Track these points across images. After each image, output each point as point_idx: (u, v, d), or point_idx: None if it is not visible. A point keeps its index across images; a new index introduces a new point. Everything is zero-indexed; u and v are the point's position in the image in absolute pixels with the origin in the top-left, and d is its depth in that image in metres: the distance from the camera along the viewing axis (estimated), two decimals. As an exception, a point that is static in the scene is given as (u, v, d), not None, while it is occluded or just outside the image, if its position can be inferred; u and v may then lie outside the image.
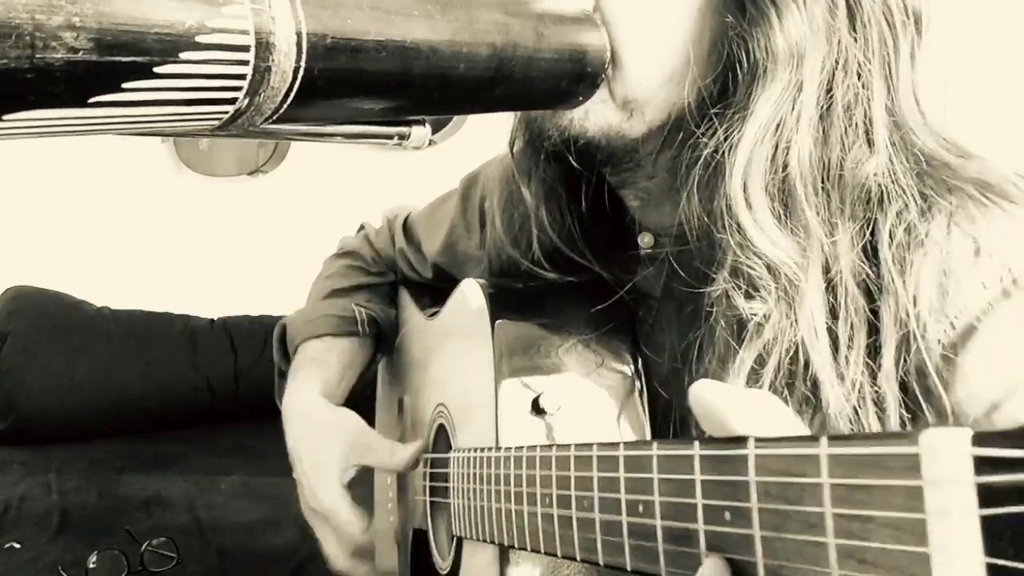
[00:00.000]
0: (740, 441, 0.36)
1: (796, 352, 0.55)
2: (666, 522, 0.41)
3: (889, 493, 0.29)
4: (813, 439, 0.32)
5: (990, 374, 0.53)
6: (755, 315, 0.56)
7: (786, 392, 0.56)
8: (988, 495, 0.25)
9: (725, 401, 0.39)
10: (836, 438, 0.32)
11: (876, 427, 0.55)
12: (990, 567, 0.25)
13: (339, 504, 0.87)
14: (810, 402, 0.55)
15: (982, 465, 0.26)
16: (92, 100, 0.34)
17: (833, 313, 0.56)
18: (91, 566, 1.54)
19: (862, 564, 0.30)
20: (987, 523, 0.25)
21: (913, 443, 0.28)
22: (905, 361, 0.55)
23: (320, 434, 0.91)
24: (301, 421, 0.93)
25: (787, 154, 0.56)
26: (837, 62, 0.57)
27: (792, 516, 0.33)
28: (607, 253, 0.74)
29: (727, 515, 0.37)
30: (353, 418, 0.91)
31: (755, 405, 0.39)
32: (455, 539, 0.78)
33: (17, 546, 1.65)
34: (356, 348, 1.01)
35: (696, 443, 0.39)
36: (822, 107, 0.57)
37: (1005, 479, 0.25)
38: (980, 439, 0.26)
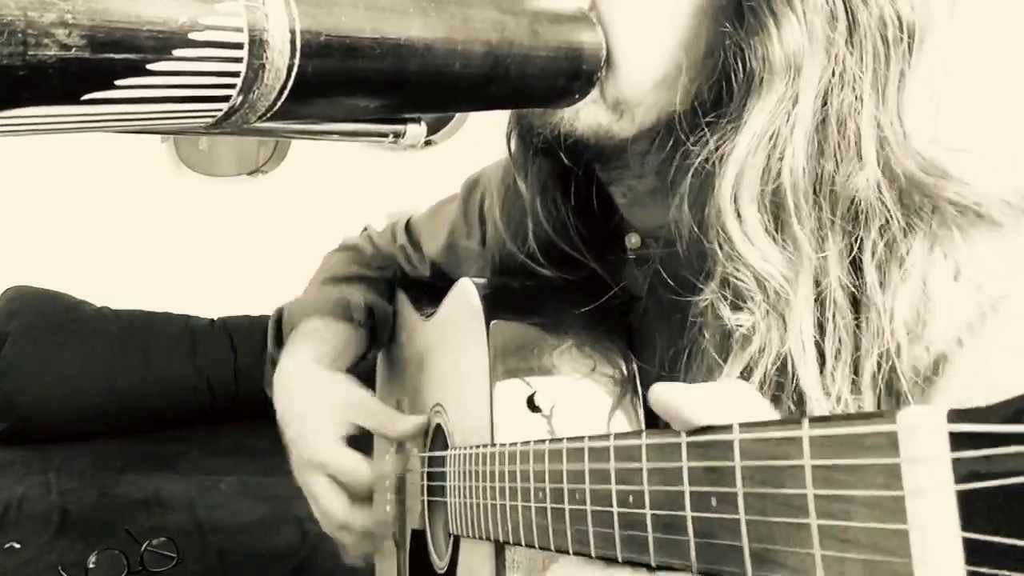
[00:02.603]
0: (725, 427, 0.36)
1: (783, 365, 0.55)
2: (655, 511, 0.41)
3: (868, 472, 0.29)
4: (795, 421, 0.33)
5: (957, 402, 0.53)
6: (740, 327, 0.56)
7: (772, 405, 0.56)
8: (964, 471, 0.26)
9: (681, 398, 0.40)
10: (817, 419, 0.32)
11: None
12: (967, 541, 0.26)
13: (337, 449, 0.84)
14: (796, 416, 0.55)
15: (958, 441, 0.26)
16: (85, 97, 0.34)
17: (821, 327, 0.56)
18: (91, 566, 1.55)
19: (843, 544, 0.30)
20: (963, 498, 0.26)
21: (891, 421, 0.28)
22: (881, 378, 0.54)
23: (316, 392, 0.89)
24: (295, 381, 0.91)
25: (780, 166, 0.55)
26: (834, 74, 0.56)
27: (776, 499, 0.33)
28: (600, 249, 0.74)
29: (713, 501, 0.37)
30: (351, 380, 0.90)
31: (716, 398, 0.40)
32: (452, 538, 0.78)
33: (17, 546, 1.65)
34: (350, 335, 1.00)
35: (683, 432, 0.39)
36: (817, 119, 0.56)
37: (980, 454, 0.25)
38: (956, 415, 0.26)
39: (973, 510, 0.25)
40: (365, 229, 1.14)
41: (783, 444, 0.33)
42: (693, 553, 0.38)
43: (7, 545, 1.65)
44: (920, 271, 0.54)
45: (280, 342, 1.01)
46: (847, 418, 0.31)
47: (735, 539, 0.35)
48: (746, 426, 0.36)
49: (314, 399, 0.88)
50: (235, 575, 1.65)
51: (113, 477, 1.97)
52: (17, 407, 2.16)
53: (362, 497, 0.85)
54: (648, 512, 0.42)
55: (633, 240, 0.72)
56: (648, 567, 0.42)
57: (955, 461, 0.26)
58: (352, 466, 0.84)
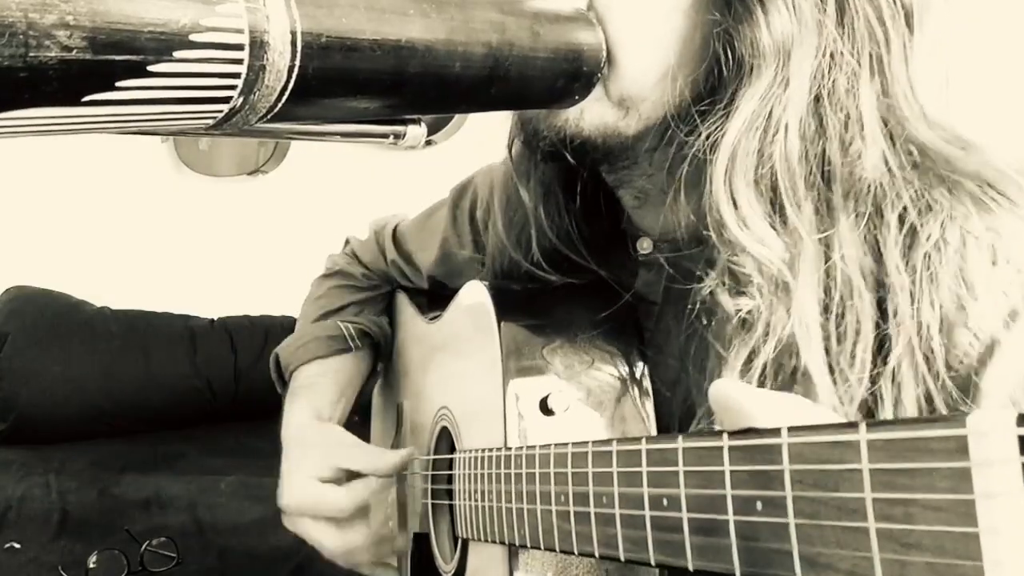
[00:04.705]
0: (773, 431, 0.36)
1: (788, 347, 0.55)
2: (693, 514, 0.41)
3: (934, 476, 0.29)
4: (851, 426, 0.33)
5: (1011, 385, 0.52)
6: (740, 311, 0.56)
7: (778, 389, 0.56)
8: None
9: (746, 397, 0.40)
10: (874, 424, 0.32)
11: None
12: None
13: (309, 487, 0.85)
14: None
15: None
16: (86, 99, 0.34)
17: (827, 309, 0.56)
18: (91, 566, 1.54)
19: (905, 547, 0.30)
20: None
21: (960, 425, 0.29)
22: (912, 363, 0.54)
23: (301, 449, 0.91)
24: (291, 447, 0.93)
25: (773, 150, 0.56)
26: (826, 57, 0.56)
27: (829, 503, 0.33)
28: (605, 254, 0.74)
29: (758, 505, 0.37)
30: (337, 430, 0.91)
31: (778, 403, 0.40)
32: (460, 541, 0.78)
33: (17, 546, 1.65)
34: (351, 364, 1.01)
35: (725, 435, 0.39)
36: (812, 102, 0.56)
37: None
38: None
39: None
40: (347, 243, 1.12)
41: (837, 448, 0.33)
42: (736, 557, 0.38)
43: (7, 545, 1.65)
44: (953, 254, 0.54)
45: (284, 381, 1.03)
46: (909, 422, 0.31)
47: (783, 543, 0.35)
48: (794, 430, 0.35)
49: (301, 452, 0.90)
50: (235, 575, 1.64)
51: (113, 477, 1.97)
52: (17, 407, 2.16)
53: (351, 520, 0.86)
54: (685, 515, 0.41)
55: (645, 245, 0.72)
56: (684, 571, 0.42)
57: None
58: (327, 498, 0.84)
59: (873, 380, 0.55)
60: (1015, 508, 0.27)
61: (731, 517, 0.38)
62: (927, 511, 0.30)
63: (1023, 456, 0.27)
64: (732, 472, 0.38)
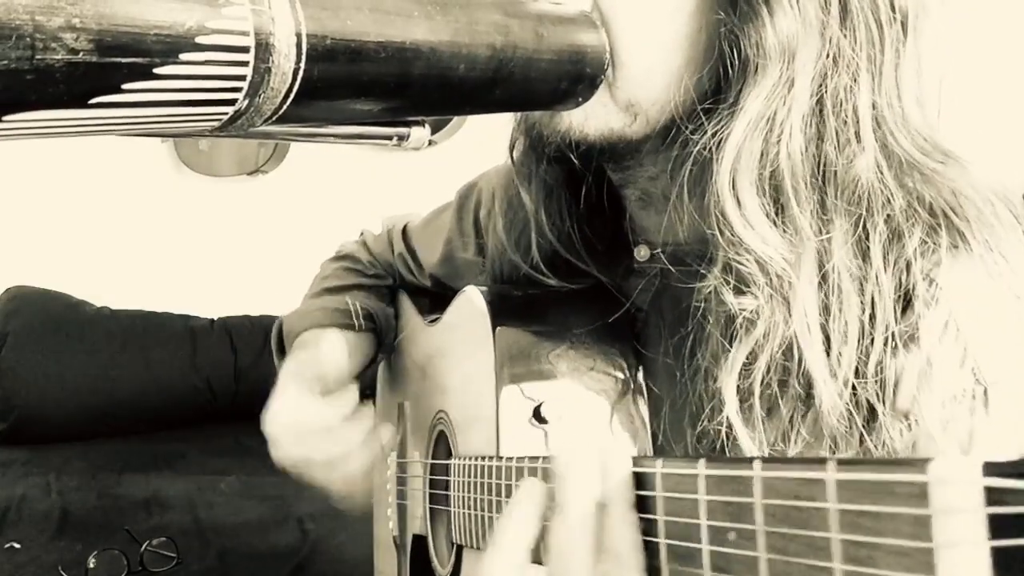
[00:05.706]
0: (747, 462, 0.36)
1: (789, 348, 0.55)
2: (669, 541, 0.41)
3: (897, 521, 0.29)
4: (821, 462, 0.32)
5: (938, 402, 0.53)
6: (744, 311, 0.55)
7: (777, 389, 0.55)
8: (999, 526, 0.25)
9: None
10: (844, 462, 0.32)
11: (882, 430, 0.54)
12: None
13: (292, 403, 0.80)
14: (803, 399, 0.55)
15: (993, 495, 0.26)
16: (92, 101, 0.34)
17: (827, 310, 0.55)
18: (91, 566, 1.55)
19: None
20: (997, 554, 0.25)
21: (922, 471, 0.28)
22: (882, 366, 0.54)
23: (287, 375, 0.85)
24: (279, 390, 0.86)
25: (777, 150, 0.56)
26: (829, 57, 0.56)
27: (798, 539, 0.33)
28: (605, 259, 0.74)
29: (731, 536, 0.37)
30: (332, 336, 0.87)
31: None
32: (455, 546, 0.78)
33: (17, 546, 1.65)
34: (354, 341, 0.97)
35: (701, 461, 0.39)
36: (814, 103, 0.56)
37: (1017, 510, 0.25)
38: (991, 469, 0.26)
39: (1007, 566, 0.25)
40: (361, 234, 1.13)
41: (807, 485, 0.33)
42: None
43: (7, 545, 1.65)
44: (928, 265, 0.54)
45: (283, 352, 1.00)
46: (875, 463, 0.31)
47: (753, 575, 0.35)
48: (768, 464, 0.35)
49: (287, 376, 0.85)
50: (235, 575, 1.65)
51: (113, 477, 1.97)
52: (17, 407, 2.16)
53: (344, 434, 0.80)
54: (662, 541, 0.41)
55: (642, 252, 0.71)
56: None
57: (990, 516, 0.26)
58: (309, 411, 0.79)
59: (864, 378, 0.55)
60: (977, 560, 0.26)
61: (705, 546, 0.38)
62: (890, 556, 0.29)
63: (988, 507, 0.25)
64: (707, 501, 0.38)
